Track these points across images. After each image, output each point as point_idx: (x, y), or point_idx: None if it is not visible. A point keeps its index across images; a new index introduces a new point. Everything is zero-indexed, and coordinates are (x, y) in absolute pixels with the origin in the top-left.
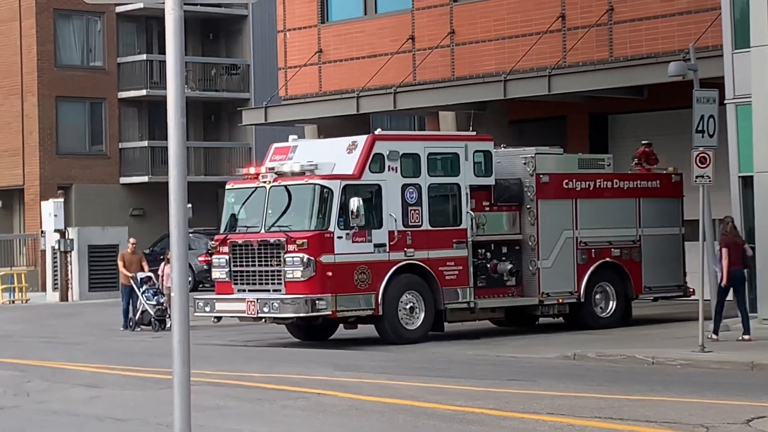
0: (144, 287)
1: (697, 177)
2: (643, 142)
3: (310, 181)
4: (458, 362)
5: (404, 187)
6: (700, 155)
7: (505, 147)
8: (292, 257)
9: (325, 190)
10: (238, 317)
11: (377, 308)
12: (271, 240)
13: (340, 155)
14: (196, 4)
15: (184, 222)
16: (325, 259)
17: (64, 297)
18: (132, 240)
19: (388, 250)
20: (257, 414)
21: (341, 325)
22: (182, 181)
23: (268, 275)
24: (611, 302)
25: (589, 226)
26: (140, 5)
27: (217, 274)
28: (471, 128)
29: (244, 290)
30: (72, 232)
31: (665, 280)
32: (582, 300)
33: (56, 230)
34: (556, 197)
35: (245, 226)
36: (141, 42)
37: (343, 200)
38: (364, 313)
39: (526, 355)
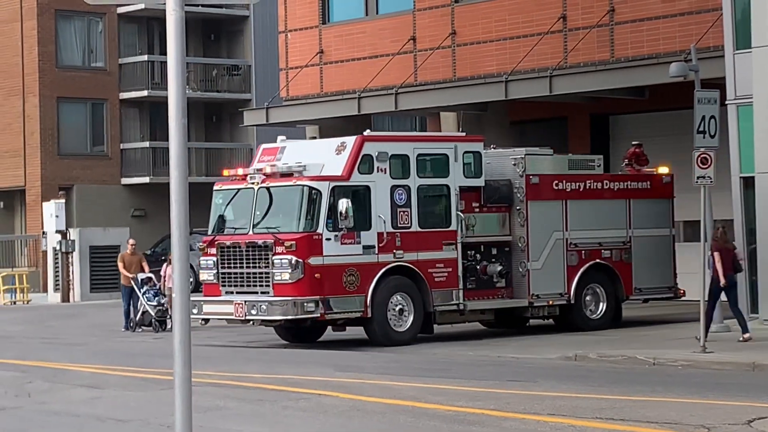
0: (144, 288)
1: (698, 178)
2: (633, 143)
3: (299, 182)
4: (459, 363)
5: (393, 188)
6: (702, 156)
7: (494, 148)
8: (281, 259)
9: (313, 191)
10: (226, 319)
11: (366, 310)
12: (259, 242)
13: (328, 156)
14: (198, 5)
15: (185, 223)
16: (314, 261)
17: (65, 298)
18: (131, 241)
19: (377, 251)
20: (258, 415)
21: (330, 328)
22: (183, 181)
23: (256, 277)
24: (601, 304)
25: (579, 228)
26: (141, 6)
27: (205, 275)
28: (460, 129)
29: (231, 292)
30: (73, 233)
31: (655, 282)
32: (572, 302)
33: (57, 231)
34: (546, 198)
35: (233, 228)
36: (142, 43)
37: (331, 201)
38: (352, 316)
39: (527, 356)
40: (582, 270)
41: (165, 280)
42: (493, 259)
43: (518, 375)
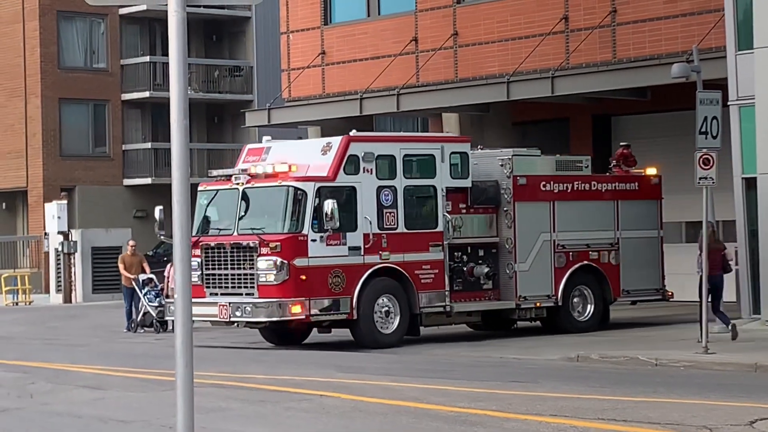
0: (146, 289)
1: (700, 179)
2: (621, 143)
3: (284, 183)
4: (461, 364)
5: (379, 189)
6: (704, 157)
7: (481, 149)
8: (265, 260)
9: (298, 191)
10: (210, 321)
11: (352, 312)
12: (244, 243)
13: (314, 156)
14: (200, 6)
15: (187, 224)
16: (299, 262)
17: (67, 299)
18: (131, 242)
19: (362, 253)
20: (260, 416)
21: (315, 330)
22: (185, 182)
23: (240, 278)
24: (589, 306)
25: (566, 229)
26: (143, 7)
27: None
28: (446, 129)
29: (216, 294)
30: (75, 234)
31: (644, 284)
32: (559, 303)
33: (59, 232)
34: (533, 199)
35: (218, 229)
36: (144, 44)
37: (317, 202)
38: (338, 318)
39: (529, 357)
40: (570, 272)
41: (168, 281)
42: (480, 261)
43: (520, 376)
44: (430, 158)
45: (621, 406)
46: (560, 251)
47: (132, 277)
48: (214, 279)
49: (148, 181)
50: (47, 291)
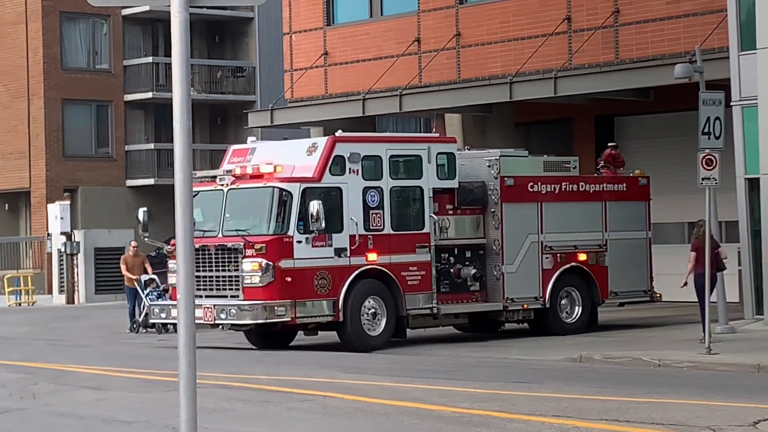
0: (147, 290)
1: (703, 179)
2: (609, 144)
3: (269, 184)
4: (464, 364)
5: (366, 190)
6: (707, 157)
7: (468, 149)
8: (250, 262)
9: (284, 193)
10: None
11: (338, 314)
12: (229, 244)
13: (299, 157)
14: (202, 7)
15: (190, 225)
16: (284, 264)
17: (70, 299)
18: (133, 243)
19: (349, 254)
20: (263, 416)
21: (301, 332)
22: (188, 183)
23: (225, 281)
24: (577, 307)
25: (554, 230)
26: (146, 8)
27: (173, 279)
28: (434, 129)
29: (200, 296)
30: (78, 235)
31: (632, 285)
32: (547, 305)
33: (62, 233)
34: (520, 200)
35: (202, 230)
36: (147, 45)
37: (302, 204)
38: (324, 320)
39: (532, 358)
40: (557, 273)
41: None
42: (467, 263)
43: (523, 376)
44: (416, 159)
45: (624, 407)
46: (548, 253)
47: (134, 277)
48: (199, 281)
49: (150, 181)
50: (50, 292)
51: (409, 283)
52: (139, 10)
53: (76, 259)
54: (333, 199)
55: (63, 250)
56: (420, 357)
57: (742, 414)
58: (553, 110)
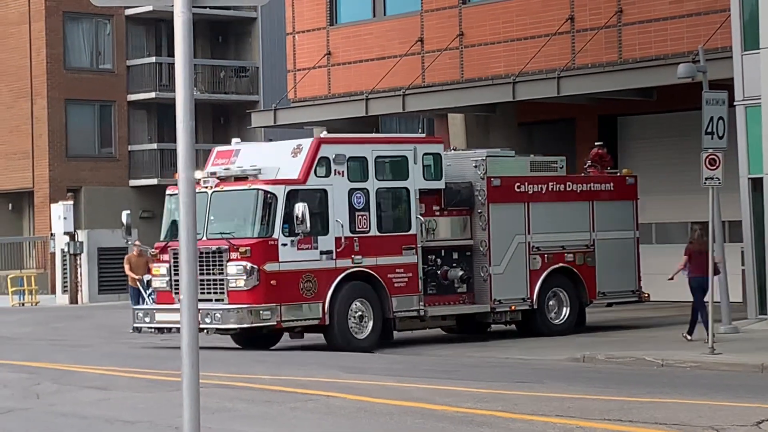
0: (150, 289)
1: (706, 179)
2: (596, 143)
3: (254, 186)
4: (466, 365)
5: (351, 191)
6: (710, 157)
7: (454, 150)
8: (235, 265)
9: (268, 195)
10: (179, 329)
11: (324, 317)
12: (213, 247)
13: (284, 159)
14: (205, 7)
15: (193, 225)
16: (270, 267)
17: (73, 299)
18: (137, 242)
19: (334, 257)
20: (266, 416)
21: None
22: (191, 183)
23: (210, 284)
24: (565, 308)
25: (541, 231)
26: (149, 8)
27: (158, 283)
28: (420, 130)
29: None
30: (81, 235)
31: (619, 285)
32: (535, 306)
33: (66, 233)
34: (507, 201)
35: None
36: (150, 45)
37: (287, 206)
38: (310, 323)
39: (534, 357)
40: (545, 274)
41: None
42: (454, 264)
43: (526, 376)
44: (402, 160)
45: (627, 407)
46: (535, 253)
47: (137, 277)
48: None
49: (153, 181)
50: (53, 291)
51: (395, 285)
52: (143, 10)
53: (80, 259)
54: (318, 201)
55: (66, 250)
56: (422, 357)
57: (746, 414)
58: (557, 110)
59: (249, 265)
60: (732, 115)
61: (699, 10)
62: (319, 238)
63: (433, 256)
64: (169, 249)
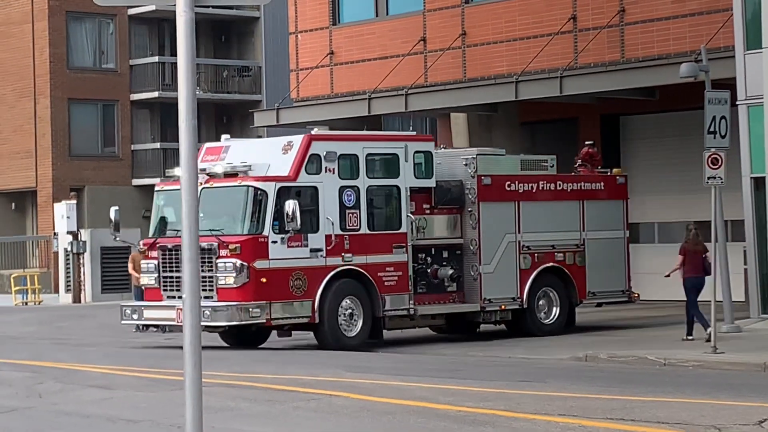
0: None
1: (708, 178)
2: (587, 142)
3: (244, 183)
4: (469, 364)
5: (342, 189)
6: (712, 156)
7: (444, 148)
8: (225, 263)
9: (259, 192)
10: (167, 326)
11: (314, 315)
12: (203, 245)
13: (275, 156)
14: (208, 6)
15: (195, 224)
16: (259, 264)
17: (76, 298)
18: (142, 242)
19: (325, 255)
20: (269, 415)
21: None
22: (194, 183)
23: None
24: (555, 308)
25: (532, 230)
26: (152, 7)
27: (146, 279)
28: (411, 128)
29: (173, 297)
30: (84, 234)
31: (609, 286)
32: (525, 306)
33: (69, 232)
34: (498, 200)
35: (175, 230)
36: (153, 44)
37: (278, 203)
38: (299, 321)
39: (537, 357)
40: (535, 273)
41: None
42: (445, 263)
43: (528, 375)
44: (393, 157)
45: (629, 406)
46: (525, 252)
47: (140, 276)
48: (172, 282)
49: (156, 181)
50: (56, 291)
51: (385, 283)
52: (145, 9)
53: (83, 258)
54: (309, 198)
55: (69, 249)
56: (425, 356)
57: (748, 413)
58: (559, 110)
59: (239, 262)
60: (734, 115)
61: (701, 10)
62: (309, 235)
63: (424, 255)
64: (157, 245)
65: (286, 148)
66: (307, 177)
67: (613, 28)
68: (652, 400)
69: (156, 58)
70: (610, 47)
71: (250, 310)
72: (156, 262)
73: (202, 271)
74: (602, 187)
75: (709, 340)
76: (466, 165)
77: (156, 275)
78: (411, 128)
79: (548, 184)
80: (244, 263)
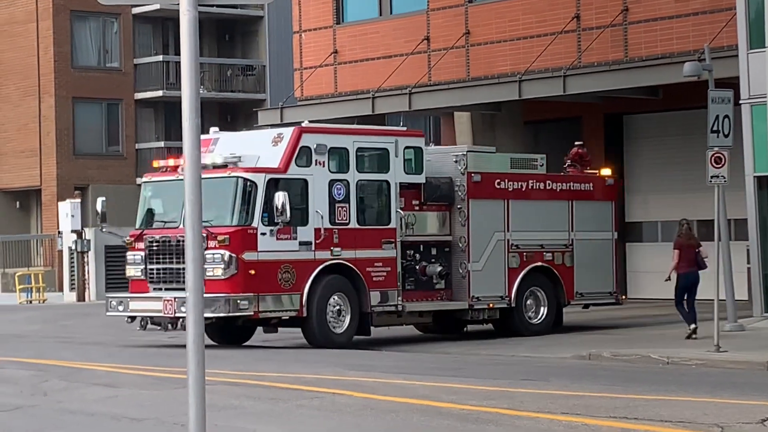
0: None
1: (712, 177)
2: (576, 143)
3: (233, 174)
4: (472, 362)
5: (332, 182)
6: (715, 155)
7: (434, 144)
8: (213, 254)
9: (248, 183)
10: (154, 317)
11: (301, 309)
12: None
13: (265, 148)
14: (212, 5)
15: (199, 223)
16: (248, 256)
17: (81, 297)
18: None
19: (313, 248)
20: (272, 413)
21: (261, 329)
22: (197, 181)
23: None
24: (542, 308)
25: (520, 229)
26: (156, 6)
27: (132, 271)
28: (402, 123)
29: (160, 288)
30: (89, 233)
31: (597, 287)
32: (513, 305)
33: (73, 231)
34: (487, 197)
35: (162, 221)
36: (157, 43)
37: (267, 195)
38: (287, 315)
39: (540, 355)
40: (523, 272)
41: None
42: (433, 260)
43: (531, 374)
44: (383, 152)
45: (632, 404)
46: (514, 251)
47: None
48: (159, 273)
49: None
50: (61, 289)
51: (374, 279)
52: (150, 8)
53: (87, 256)
54: (298, 190)
55: (74, 247)
56: (427, 354)
57: (751, 411)
58: (562, 109)
59: (227, 253)
60: (737, 114)
61: (705, 9)
62: (298, 228)
63: (412, 251)
64: (144, 237)
65: (276, 140)
66: (297, 169)
67: (616, 27)
68: (656, 398)
69: (160, 57)
70: (614, 46)
71: (239, 302)
72: (143, 253)
73: None
74: (591, 188)
75: (689, 337)
76: (456, 162)
77: (142, 267)
78: (402, 123)
79: (538, 183)
80: (233, 255)
